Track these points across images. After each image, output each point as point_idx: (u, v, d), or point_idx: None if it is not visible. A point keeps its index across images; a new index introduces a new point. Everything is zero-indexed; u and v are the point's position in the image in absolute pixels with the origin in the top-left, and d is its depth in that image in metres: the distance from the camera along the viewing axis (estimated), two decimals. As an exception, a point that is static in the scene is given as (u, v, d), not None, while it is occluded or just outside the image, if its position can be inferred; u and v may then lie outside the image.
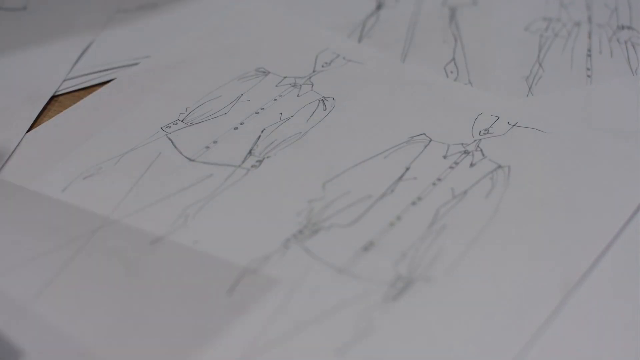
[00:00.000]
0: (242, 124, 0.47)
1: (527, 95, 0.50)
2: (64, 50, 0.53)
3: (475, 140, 0.46)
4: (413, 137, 0.46)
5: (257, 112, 0.48)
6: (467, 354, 0.34)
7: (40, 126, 0.48)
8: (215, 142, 0.46)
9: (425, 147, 0.46)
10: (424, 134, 0.47)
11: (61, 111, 0.49)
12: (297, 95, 0.50)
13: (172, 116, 0.48)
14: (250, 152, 0.46)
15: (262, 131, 0.47)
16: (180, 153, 0.46)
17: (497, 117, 0.48)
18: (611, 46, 0.54)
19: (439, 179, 0.43)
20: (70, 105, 0.49)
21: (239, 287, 0.38)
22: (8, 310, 0.37)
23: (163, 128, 0.47)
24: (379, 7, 0.59)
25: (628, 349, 0.35)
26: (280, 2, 0.59)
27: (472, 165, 0.44)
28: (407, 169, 0.44)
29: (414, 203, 0.42)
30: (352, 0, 0.59)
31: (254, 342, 0.36)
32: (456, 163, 0.44)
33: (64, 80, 0.52)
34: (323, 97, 0.50)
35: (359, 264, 0.39)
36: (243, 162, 0.45)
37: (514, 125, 0.47)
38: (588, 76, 0.52)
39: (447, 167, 0.44)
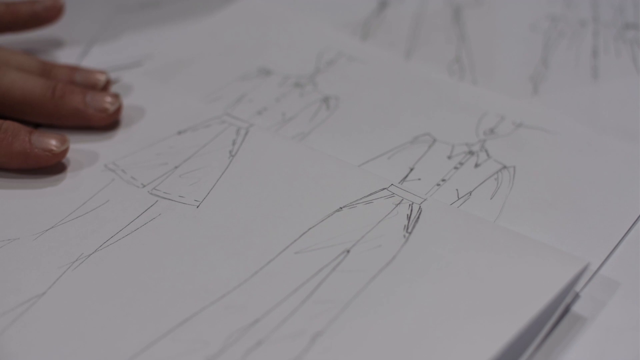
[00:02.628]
0: (244, 124, 0.47)
1: (532, 95, 0.50)
2: (66, 51, 0.53)
3: (480, 141, 0.46)
4: (417, 137, 0.46)
5: (259, 113, 0.48)
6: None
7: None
8: (217, 142, 0.46)
9: (430, 147, 0.45)
10: (428, 134, 0.46)
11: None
12: (300, 95, 0.50)
13: (174, 116, 0.48)
14: (252, 153, 0.46)
15: (264, 127, 0.47)
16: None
17: (501, 117, 0.47)
18: (616, 45, 0.54)
19: (443, 180, 0.43)
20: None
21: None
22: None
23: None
24: (382, 5, 0.58)
25: (631, 350, 0.35)
26: (282, 0, 0.58)
27: (476, 165, 0.44)
28: (412, 169, 0.44)
29: (418, 204, 0.42)
30: (356, -1, 0.59)
31: None
32: (461, 163, 0.44)
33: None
34: (326, 96, 0.49)
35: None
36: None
37: (518, 126, 0.47)
38: (593, 76, 0.52)
39: (451, 168, 0.44)
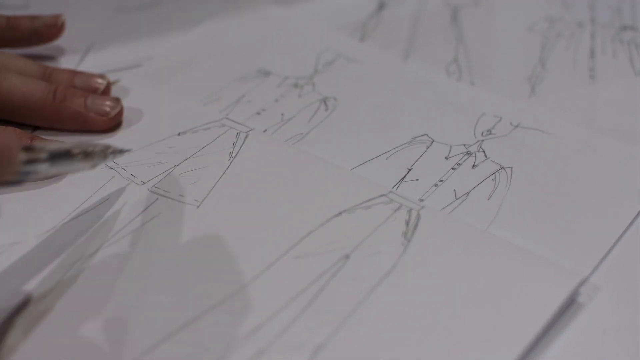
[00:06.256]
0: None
1: (530, 96, 0.50)
2: (65, 52, 0.53)
3: (477, 141, 0.46)
4: (415, 137, 0.46)
5: (258, 113, 0.48)
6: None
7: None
8: (216, 142, 0.46)
9: (428, 148, 0.45)
10: (426, 134, 0.46)
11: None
12: (299, 96, 0.50)
13: (174, 117, 0.48)
14: (251, 153, 0.46)
15: (264, 132, 0.47)
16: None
17: (499, 118, 0.47)
18: (614, 47, 0.54)
19: (441, 180, 0.43)
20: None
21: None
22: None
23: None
24: (381, 7, 0.59)
25: (630, 351, 0.35)
26: (281, 1, 0.59)
27: (474, 166, 0.44)
28: (409, 170, 0.44)
29: (416, 204, 0.42)
30: (354, 0, 0.59)
31: None
32: (458, 164, 0.44)
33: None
34: (324, 97, 0.50)
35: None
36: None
37: (516, 126, 0.47)
38: (591, 77, 0.52)
39: (449, 169, 0.44)
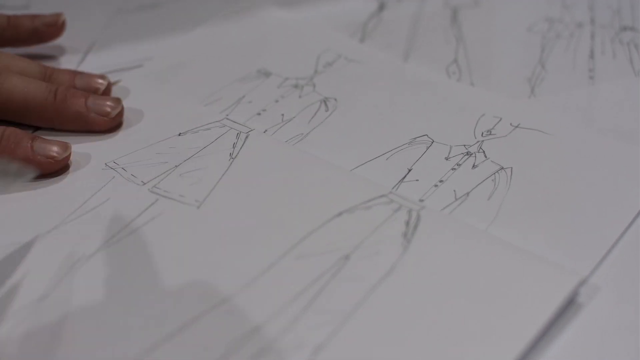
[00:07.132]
0: (243, 125, 0.47)
1: (530, 97, 0.50)
2: (66, 53, 0.53)
3: (477, 142, 0.46)
4: (415, 138, 0.46)
5: (258, 114, 0.48)
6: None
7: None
8: (217, 143, 0.47)
9: (428, 148, 0.46)
10: (426, 135, 0.46)
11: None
12: (299, 97, 0.50)
13: (174, 117, 0.48)
14: (252, 154, 0.46)
15: (264, 132, 0.47)
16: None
17: (499, 119, 0.47)
18: (613, 47, 0.54)
19: (441, 181, 0.43)
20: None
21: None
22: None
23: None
24: (381, 7, 0.59)
25: (630, 351, 0.35)
26: (281, 2, 0.59)
27: (474, 166, 0.44)
28: (410, 170, 0.44)
29: (416, 205, 0.42)
30: (354, 0, 0.59)
31: None
32: (458, 165, 0.44)
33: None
34: (325, 98, 0.50)
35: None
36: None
37: (516, 127, 0.47)
38: (590, 77, 0.52)
39: (449, 169, 0.44)
